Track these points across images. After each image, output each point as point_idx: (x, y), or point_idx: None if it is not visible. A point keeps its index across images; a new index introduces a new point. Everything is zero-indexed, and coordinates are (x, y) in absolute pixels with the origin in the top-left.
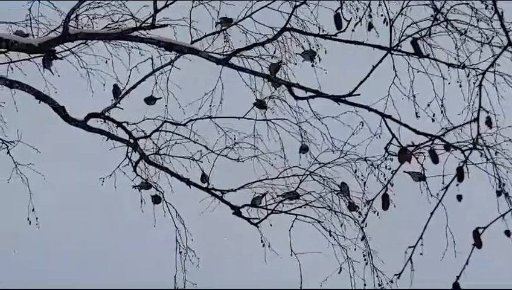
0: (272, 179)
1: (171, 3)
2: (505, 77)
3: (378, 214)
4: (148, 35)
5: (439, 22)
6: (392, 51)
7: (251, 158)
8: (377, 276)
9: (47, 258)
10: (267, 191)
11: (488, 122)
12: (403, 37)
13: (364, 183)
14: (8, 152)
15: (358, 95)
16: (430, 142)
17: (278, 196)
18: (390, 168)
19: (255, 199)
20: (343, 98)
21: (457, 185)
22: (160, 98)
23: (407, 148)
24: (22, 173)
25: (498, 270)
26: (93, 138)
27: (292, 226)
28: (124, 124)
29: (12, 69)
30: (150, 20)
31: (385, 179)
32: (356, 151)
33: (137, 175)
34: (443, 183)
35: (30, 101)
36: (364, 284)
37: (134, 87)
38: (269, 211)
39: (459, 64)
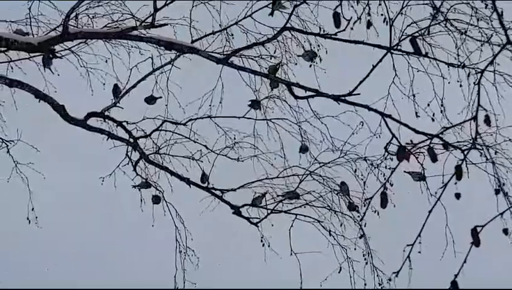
0: (271, 178)
1: (170, 3)
2: (505, 76)
3: (378, 213)
4: (148, 34)
5: (438, 21)
6: (392, 51)
7: (251, 158)
8: (377, 275)
9: (47, 258)
10: (267, 190)
11: (487, 121)
12: (403, 37)
13: (364, 182)
14: (8, 151)
15: (358, 94)
16: (429, 141)
17: (277, 195)
18: (390, 168)
19: (255, 198)
20: (343, 98)
21: (455, 183)
22: (161, 97)
23: (405, 147)
24: (21, 172)
25: (497, 269)
26: (93, 137)
27: (292, 225)
28: (124, 124)
29: (12, 68)
30: (149, 20)
31: (385, 179)
32: (356, 150)
33: (137, 174)
34: (443, 182)
35: (30, 100)
36: (365, 284)
37: (134, 86)
38: (269, 211)
39: (459, 63)
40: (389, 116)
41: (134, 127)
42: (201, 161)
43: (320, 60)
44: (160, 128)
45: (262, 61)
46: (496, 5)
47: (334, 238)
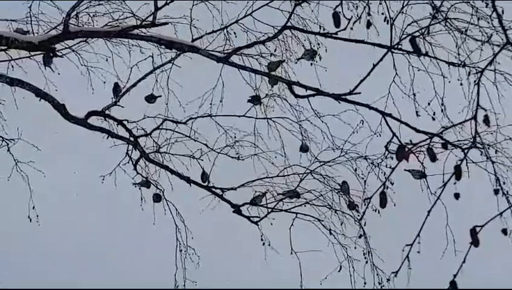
0: (272, 177)
1: (171, 2)
2: (505, 75)
3: (379, 212)
4: (149, 33)
5: (439, 20)
6: (393, 50)
7: (251, 156)
8: (377, 274)
9: (47, 258)
10: (267, 189)
11: (486, 121)
12: (404, 36)
13: (365, 181)
14: (9, 150)
15: (359, 93)
16: (428, 140)
17: (278, 194)
18: (390, 167)
19: (255, 197)
20: (344, 97)
21: (454, 183)
22: (161, 96)
23: (405, 146)
24: (22, 170)
25: (496, 268)
26: (93, 136)
27: (292, 224)
28: (125, 122)
29: (12, 66)
30: (150, 18)
31: (385, 178)
32: (356, 149)
33: (138, 173)
34: (443, 181)
35: (30, 99)
36: (365, 283)
37: (134, 85)
38: (269, 210)
39: (459, 62)
40: (390, 115)
41: (135, 125)
42: (202, 160)
43: (320, 58)
44: (160, 127)
45: (263, 59)
46: (496, 5)
47: (335, 237)
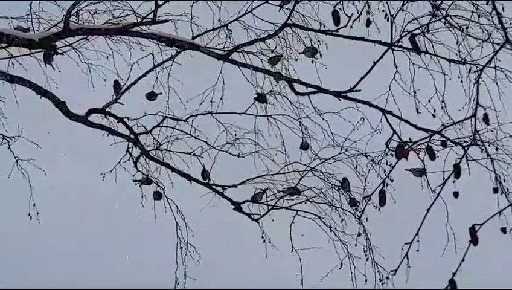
0: (272, 174)
1: None
2: (506, 73)
3: (379, 209)
4: (149, 30)
5: (439, 18)
6: (393, 47)
7: (252, 154)
8: (378, 271)
9: (47, 258)
10: (267, 187)
11: (485, 119)
12: (404, 33)
13: (365, 179)
14: (9, 147)
15: (359, 90)
16: (428, 138)
17: (278, 191)
18: (390, 164)
19: (255, 194)
20: (344, 94)
21: (453, 181)
22: (161, 93)
23: (404, 145)
24: (22, 168)
25: (496, 267)
26: (94, 133)
27: (293, 222)
28: (125, 120)
29: (13, 64)
30: (150, 16)
31: (385, 175)
32: (357, 147)
33: (138, 171)
34: (443, 179)
35: (31, 97)
36: (365, 280)
37: (135, 82)
38: (270, 207)
39: (460, 60)
40: (390, 112)
41: (135, 123)
42: (202, 157)
43: (321, 55)
44: (161, 125)
45: (263, 57)
46: (496, 4)
47: (335, 234)
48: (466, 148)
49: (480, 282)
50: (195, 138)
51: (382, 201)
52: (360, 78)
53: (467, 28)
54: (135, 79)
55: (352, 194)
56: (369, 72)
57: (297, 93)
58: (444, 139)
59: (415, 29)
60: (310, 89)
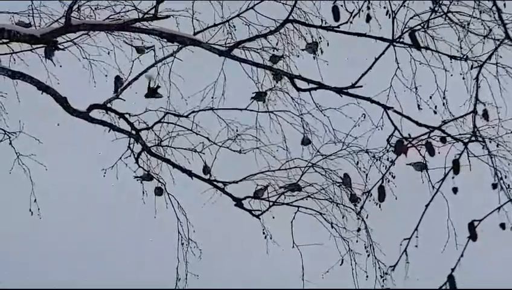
0: (274, 171)
1: None
2: (507, 69)
3: (380, 206)
4: (151, 26)
5: (440, 14)
6: (395, 43)
7: (253, 150)
8: (379, 268)
9: (47, 258)
10: (269, 183)
11: (485, 115)
12: (405, 29)
13: (366, 175)
14: (10, 143)
15: (361, 87)
16: (427, 134)
17: (280, 187)
18: (392, 160)
19: (257, 190)
20: (346, 90)
21: (453, 177)
22: (160, 86)
23: (403, 140)
24: (23, 163)
25: (495, 263)
26: (95, 129)
27: (294, 218)
28: (126, 116)
29: (14, 59)
30: (152, 12)
31: (385, 171)
32: (358, 143)
33: (140, 167)
34: (444, 174)
35: (32, 92)
36: (367, 276)
37: (136, 78)
38: (271, 203)
39: (461, 56)
40: (391, 108)
41: (137, 119)
42: (204, 153)
43: (322, 52)
44: (162, 121)
45: (265, 53)
46: (496, 1)
47: (336, 231)
48: (466, 143)
49: (479, 278)
50: (197, 134)
51: (381, 197)
52: (361, 74)
53: (468, 24)
54: (136, 75)
55: (354, 190)
56: (370, 68)
57: (298, 89)
58: (444, 135)
59: (415, 26)
60: (312, 85)
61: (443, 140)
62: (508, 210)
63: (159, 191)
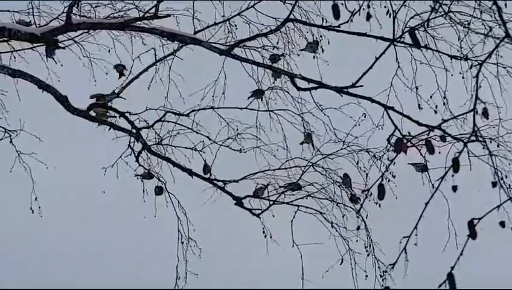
0: (274, 170)
1: None
2: (508, 69)
3: (380, 205)
4: (151, 25)
5: (441, 13)
6: (395, 43)
7: (253, 149)
8: (379, 267)
9: (47, 258)
10: (269, 182)
11: (485, 113)
12: (406, 29)
13: (367, 174)
14: (11, 141)
15: (361, 86)
16: (427, 132)
17: (280, 187)
18: (392, 160)
19: (257, 189)
20: (346, 90)
21: (452, 175)
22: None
23: (403, 139)
24: (24, 162)
25: (495, 261)
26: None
27: (294, 217)
28: (127, 114)
29: (15, 57)
30: (153, 10)
31: (385, 169)
32: (358, 142)
33: (140, 165)
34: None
35: (33, 90)
36: (366, 276)
37: (137, 77)
38: (271, 202)
39: (461, 56)
40: (392, 108)
41: (137, 117)
42: (204, 152)
43: (323, 51)
44: (162, 119)
45: (265, 52)
46: (497, 1)
47: (336, 230)
48: (466, 143)
49: (479, 276)
50: (197, 133)
51: (381, 195)
52: (362, 73)
53: (468, 24)
54: (137, 74)
55: (354, 190)
56: (371, 67)
57: (299, 88)
58: (444, 134)
59: (416, 25)
60: (312, 85)
61: (443, 138)
62: (509, 210)
63: (159, 190)
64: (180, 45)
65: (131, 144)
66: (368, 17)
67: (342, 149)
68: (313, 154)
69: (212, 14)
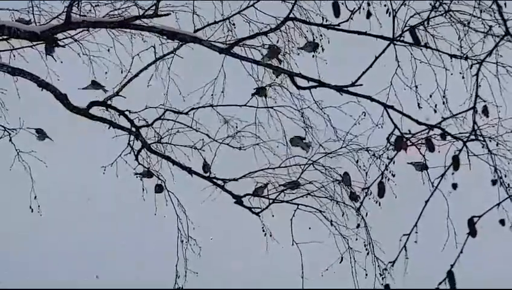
0: (273, 168)
1: None
2: (507, 68)
3: (379, 204)
4: (151, 23)
5: (441, 12)
6: (395, 42)
7: (253, 146)
8: (378, 266)
9: (47, 258)
10: (269, 180)
11: (485, 111)
12: (406, 28)
13: (366, 173)
14: (10, 139)
15: (361, 85)
16: (427, 130)
17: (279, 185)
18: (391, 159)
19: (256, 188)
20: (346, 88)
21: (452, 173)
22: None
23: (403, 137)
24: (23, 160)
25: (496, 259)
26: (95, 126)
27: (294, 215)
28: (126, 113)
29: (14, 56)
30: (152, 9)
31: (385, 168)
32: (358, 141)
33: (139, 164)
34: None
35: (32, 88)
36: (366, 274)
37: (136, 75)
38: (271, 201)
39: (461, 55)
40: (392, 107)
41: (137, 116)
42: (203, 150)
43: (323, 49)
44: (162, 118)
45: (265, 51)
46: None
47: (336, 229)
48: (465, 141)
49: (478, 274)
50: (197, 131)
51: (381, 193)
52: (361, 72)
53: (468, 23)
54: (137, 72)
55: (353, 188)
56: (370, 66)
57: (298, 87)
58: (443, 132)
59: (416, 24)
60: (312, 83)
61: (443, 136)
62: (508, 210)
63: (159, 189)
64: (180, 43)
65: (131, 143)
66: (368, 15)
67: (341, 148)
68: (313, 153)
69: (212, 12)
